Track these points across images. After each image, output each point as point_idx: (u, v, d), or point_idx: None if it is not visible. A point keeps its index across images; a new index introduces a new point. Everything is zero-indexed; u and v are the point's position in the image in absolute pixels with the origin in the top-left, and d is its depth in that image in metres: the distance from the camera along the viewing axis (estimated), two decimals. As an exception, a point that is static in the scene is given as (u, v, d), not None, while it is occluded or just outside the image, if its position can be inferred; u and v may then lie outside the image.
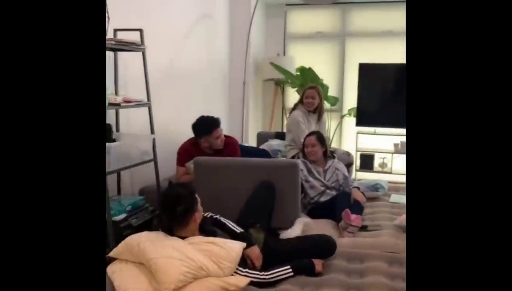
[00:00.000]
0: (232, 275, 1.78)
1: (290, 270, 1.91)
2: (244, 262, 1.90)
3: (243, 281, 1.75)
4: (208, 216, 2.11)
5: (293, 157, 3.52)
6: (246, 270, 1.84)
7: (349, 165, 3.78)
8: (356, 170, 4.95)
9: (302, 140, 3.24)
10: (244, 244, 1.89)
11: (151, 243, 1.75)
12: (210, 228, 1.98)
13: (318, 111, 3.70)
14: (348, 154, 3.89)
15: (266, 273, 1.87)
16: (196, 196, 1.91)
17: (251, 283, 1.80)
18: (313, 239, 2.16)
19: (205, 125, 2.97)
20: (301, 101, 3.71)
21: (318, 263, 2.00)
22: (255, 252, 1.97)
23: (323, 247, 2.11)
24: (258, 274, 1.85)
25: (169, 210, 1.82)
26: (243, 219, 2.22)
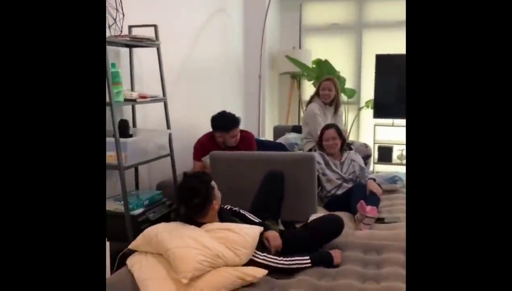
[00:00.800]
0: (251, 259, 1.79)
1: (309, 260, 1.91)
2: (263, 246, 1.90)
3: (260, 272, 1.75)
4: (228, 208, 2.13)
5: (309, 150, 3.50)
6: (265, 254, 1.85)
7: (367, 157, 3.76)
8: (374, 163, 4.90)
9: (319, 133, 3.23)
10: (261, 228, 1.90)
11: (168, 234, 1.77)
12: (229, 218, 2.00)
13: (334, 104, 3.67)
14: (366, 146, 3.86)
15: (285, 259, 1.87)
16: (212, 183, 1.92)
17: (269, 268, 1.80)
18: (321, 220, 2.20)
19: (225, 122, 2.98)
20: (317, 93, 3.68)
21: (337, 256, 1.99)
22: (273, 233, 1.99)
23: (332, 225, 2.13)
24: (277, 259, 1.85)
25: (186, 203, 1.84)
26: (254, 213, 2.22)
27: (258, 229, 1.88)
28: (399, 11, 4.99)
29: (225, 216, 1.99)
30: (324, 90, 3.62)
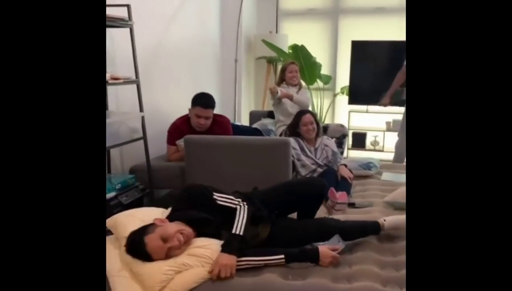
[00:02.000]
0: None
1: (283, 259, 1.76)
2: None
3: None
4: (224, 203, 1.91)
5: (281, 134, 3.56)
6: (247, 258, 1.74)
7: (343, 137, 3.84)
8: (348, 148, 4.96)
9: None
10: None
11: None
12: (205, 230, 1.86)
13: (298, 85, 3.87)
14: (341, 126, 3.93)
15: (256, 259, 1.75)
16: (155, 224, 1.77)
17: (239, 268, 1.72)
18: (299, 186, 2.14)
19: (207, 100, 2.96)
20: (282, 78, 3.86)
21: (326, 256, 1.78)
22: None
23: (311, 193, 2.09)
24: (248, 260, 1.74)
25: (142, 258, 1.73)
26: (261, 202, 2.00)
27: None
28: (376, -2, 5.01)
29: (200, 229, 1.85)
30: (292, 72, 3.80)
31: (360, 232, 2.06)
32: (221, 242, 1.75)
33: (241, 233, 1.74)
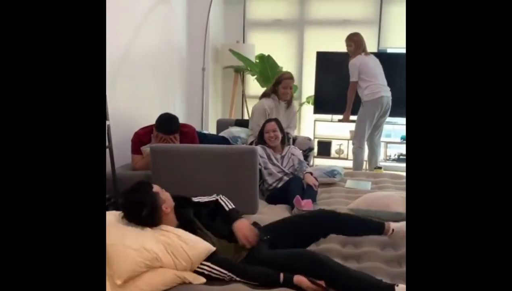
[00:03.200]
0: (198, 269, 1.72)
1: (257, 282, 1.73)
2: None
3: (199, 279, 1.71)
4: (203, 201, 2.05)
5: (251, 143, 3.55)
6: (213, 266, 1.72)
7: (309, 150, 3.89)
8: (314, 157, 5.05)
9: (255, 130, 3.34)
10: (212, 249, 1.75)
11: (113, 227, 1.71)
12: (188, 217, 1.90)
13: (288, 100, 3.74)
14: (309, 139, 4.01)
15: (224, 271, 1.72)
16: (155, 188, 1.85)
17: (210, 278, 1.72)
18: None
19: (171, 126, 2.90)
20: (274, 90, 3.67)
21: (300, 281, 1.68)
22: (243, 223, 1.88)
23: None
24: (220, 272, 1.72)
25: (136, 219, 1.76)
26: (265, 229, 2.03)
27: (206, 249, 1.73)
28: (340, 10, 5.16)
29: (184, 216, 1.89)
30: (286, 89, 3.61)
31: (359, 227, 2.05)
32: (200, 242, 1.75)
33: (233, 206, 2.00)
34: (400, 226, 2.02)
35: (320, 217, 2.09)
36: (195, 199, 2.04)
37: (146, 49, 3.73)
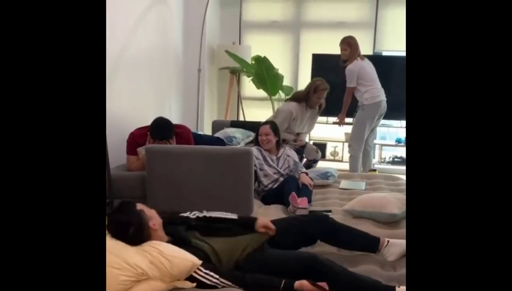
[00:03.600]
0: (192, 275, 1.70)
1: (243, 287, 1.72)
2: (207, 259, 1.79)
3: (189, 285, 1.70)
4: (194, 216, 2.03)
5: (251, 142, 3.66)
6: (207, 271, 1.71)
7: (314, 161, 3.94)
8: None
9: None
10: (198, 263, 1.71)
11: None
12: (177, 234, 1.87)
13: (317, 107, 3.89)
14: (316, 151, 4.03)
15: (221, 279, 1.70)
16: (138, 207, 1.82)
17: (204, 286, 1.70)
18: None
19: (164, 131, 2.89)
20: (306, 96, 3.78)
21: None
22: (262, 222, 1.98)
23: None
24: (212, 278, 1.70)
25: (125, 239, 1.73)
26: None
27: (191, 263, 1.70)
28: (336, 12, 5.18)
29: (174, 233, 1.87)
30: (320, 99, 3.77)
31: (352, 241, 2.06)
32: (185, 256, 1.71)
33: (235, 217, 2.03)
34: (399, 243, 2.02)
35: (319, 219, 2.11)
36: (213, 215, 2.04)
37: (142, 49, 3.73)
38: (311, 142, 5.05)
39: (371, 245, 2.06)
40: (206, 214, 2.05)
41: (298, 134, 4.04)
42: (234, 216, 2.05)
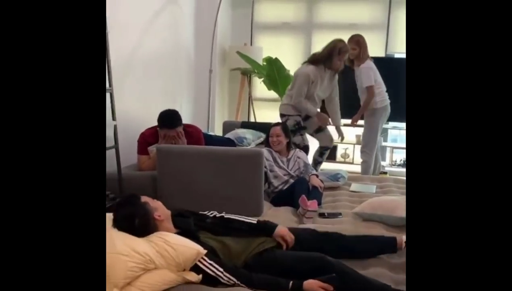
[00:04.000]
0: (196, 265, 1.71)
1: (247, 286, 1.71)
2: (214, 253, 1.79)
3: (197, 277, 1.70)
4: (211, 215, 2.05)
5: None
6: (211, 262, 1.72)
7: (326, 149, 3.97)
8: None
9: (297, 100, 3.44)
10: (203, 252, 1.72)
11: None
12: (186, 226, 1.90)
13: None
14: (331, 140, 4.02)
15: (225, 273, 1.71)
16: (143, 199, 1.85)
17: (211, 278, 1.70)
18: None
19: (171, 119, 2.90)
20: (328, 58, 3.52)
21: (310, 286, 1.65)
22: (283, 230, 1.97)
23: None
24: (217, 270, 1.71)
25: (131, 231, 1.75)
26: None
27: (195, 252, 1.70)
28: (347, 14, 5.16)
29: (182, 226, 1.89)
30: (341, 61, 3.53)
31: (369, 249, 2.03)
32: (189, 244, 1.72)
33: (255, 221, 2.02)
34: None
35: (334, 237, 2.07)
36: (231, 217, 2.06)
37: (154, 50, 3.76)
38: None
39: (389, 246, 2.04)
40: (224, 215, 2.06)
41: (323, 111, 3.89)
42: (253, 220, 2.04)
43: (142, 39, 3.54)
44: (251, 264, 1.83)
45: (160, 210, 1.86)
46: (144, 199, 1.86)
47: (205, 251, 1.73)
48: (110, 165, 2.83)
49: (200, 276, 1.70)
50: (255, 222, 2.03)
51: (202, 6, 4.66)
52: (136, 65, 3.45)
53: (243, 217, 2.06)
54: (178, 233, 1.83)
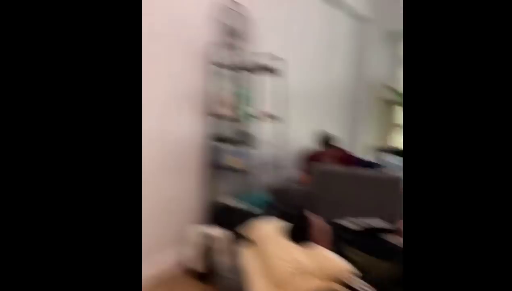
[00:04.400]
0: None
1: None
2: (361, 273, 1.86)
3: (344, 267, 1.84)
4: (351, 226, 2.24)
5: None
6: (362, 281, 1.80)
7: None
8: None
9: None
10: (347, 269, 1.83)
11: (272, 239, 2.02)
12: (337, 241, 2.06)
13: None
14: None
15: None
16: (309, 214, 2.07)
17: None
18: None
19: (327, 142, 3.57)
20: None
21: None
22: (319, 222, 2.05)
23: None
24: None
25: (293, 239, 1.98)
26: None
27: (340, 268, 1.82)
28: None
29: (335, 242, 2.04)
30: None
31: None
32: (334, 260, 1.87)
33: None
34: None
35: None
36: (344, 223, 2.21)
37: (315, 84, 4.33)
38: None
39: None
40: (361, 223, 2.22)
41: None
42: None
43: (306, 75, 4.12)
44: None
45: (319, 225, 2.06)
46: (308, 214, 2.10)
47: (350, 268, 1.83)
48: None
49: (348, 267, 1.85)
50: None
51: (362, 50, 5.13)
52: (300, 98, 4.02)
53: (379, 221, 2.26)
54: (330, 249, 1.97)
